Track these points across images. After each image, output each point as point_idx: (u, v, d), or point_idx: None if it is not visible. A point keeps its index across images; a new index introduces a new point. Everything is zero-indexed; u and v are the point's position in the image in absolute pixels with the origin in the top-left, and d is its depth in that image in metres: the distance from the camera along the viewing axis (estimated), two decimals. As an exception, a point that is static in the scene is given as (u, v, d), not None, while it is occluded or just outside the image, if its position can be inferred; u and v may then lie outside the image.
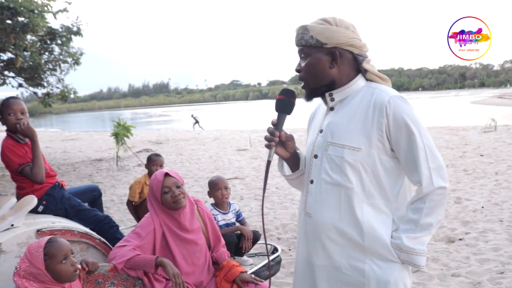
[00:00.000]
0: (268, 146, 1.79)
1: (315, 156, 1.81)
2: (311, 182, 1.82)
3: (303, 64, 1.80)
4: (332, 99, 1.81)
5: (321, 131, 1.83)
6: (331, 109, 1.83)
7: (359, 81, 1.78)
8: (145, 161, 4.56)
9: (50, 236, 2.14)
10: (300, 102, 1.89)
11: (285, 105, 1.81)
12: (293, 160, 1.93)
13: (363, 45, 1.76)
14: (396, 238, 1.68)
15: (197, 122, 30.67)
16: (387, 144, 1.68)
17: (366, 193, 1.70)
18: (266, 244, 2.03)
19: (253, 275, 2.65)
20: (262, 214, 1.95)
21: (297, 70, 1.83)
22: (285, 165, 1.99)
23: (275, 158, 1.91)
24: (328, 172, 1.74)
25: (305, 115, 1.72)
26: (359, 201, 1.70)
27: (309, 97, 1.83)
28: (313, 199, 1.80)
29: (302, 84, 1.83)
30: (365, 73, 1.79)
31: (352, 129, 1.71)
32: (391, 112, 1.65)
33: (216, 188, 3.34)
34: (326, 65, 1.74)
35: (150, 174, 4.26)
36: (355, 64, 1.77)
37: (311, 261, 1.83)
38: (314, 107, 2.03)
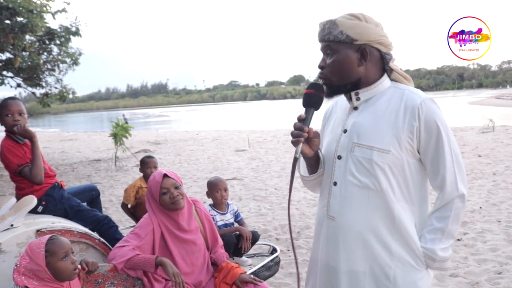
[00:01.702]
0: (295, 143, 1.67)
1: (339, 157, 1.74)
2: (335, 184, 1.75)
3: (328, 61, 1.71)
4: (358, 99, 1.74)
5: (345, 131, 1.76)
6: (355, 108, 1.77)
7: (385, 81, 1.73)
8: (143, 162, 4.55)
9: (51, 234, 2.15)
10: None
11: (314, 99, 1.71)
12: (314, 160, 1.83)
13: (390, 43, 1.72)
14: (429, 250, 1.67)
15: (126, 122, 32.27)
16: (416, 148, 1.65)
17: (397, 197, 1.66)
18: (292, 243, 1.82)
19: (252, 275, 2.65)
20: (289, 212, 1.76)
21: (321, 67, 1.74)
22: (302, 164, 1.91)
23: (284, 156, 1.85)
24: (355, 174, 1.68)
25: (318, 114, 1.68)
26: (388, 204, 1.65)
27: (331, 95, 1.76)
28: (338, 202, 1.73)
29: (323, 81, 1.74)
30: (390, 73, 1.74)
31: (381, 130, 1.66)
32: (423, 115, 1.61)
33: (216, 189, 3.34)
34: (355, 63, 1.68)
35: (145, 176, 4.25)
36: (381, 63, 1.73)
37: (332, 265, 1.76)
38: (327, 105, 1.95)
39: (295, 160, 1.69)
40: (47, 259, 2.00)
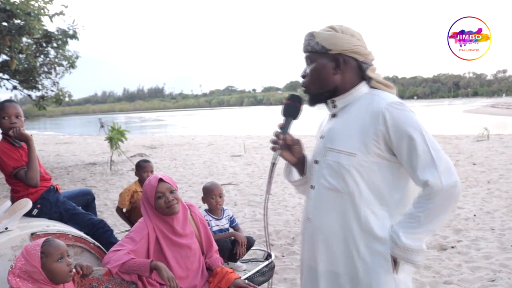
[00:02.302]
0: (273, 149, 1.82)
1: (316, 162, 1.84)
2: (312, 187, 1.84)
3: (308, 70, 1.82)
4: (335, 106, 1.83)
5: (322, 137, 1.85)
6: (334, 115, 1.85)
7: (362, 88, 1.79)
8: (139, 166, 4.55)
9: (47, 237, 2.15)
10: (308, 109, 1.90)
11: (291, 109, 1.84)
12: (302, 166, 1.95)
13: (369, 53, 1.79)
14: (394, 232, 1.66)
15: (102, 126, 33.68)
16: (385, 151, 1.68)
17: (364, 199, 1.70)
18: (268, 243, 2.02)
19: (246, 281, 2.65)
20: (265, 216, 1.95)
21: (303, 76, 1.85)
22: (294, 170, 2.01)
23: (281, 162, 1.92)
24: (326, 177, 1.77)
25: (313, 122, 1.74)
26: (357, 206, 1.70)
27: (312, 103, 1.85)
28: (313, 204, 1.83)
29: (305, 89, 1.85)
30: (369, 81, 1.80)
31: (349, 134, 1.72)
32: (388, 119, 1.64)
33: (211, 195, 3.34)
34: (330, 71, 1.76)
35: (141, 180, 4.25)
36: (360, 72, 1.79)
37: (313, 266, 1.84)
38: (324, 115, 2.03)
39: (272, 165, 1.83)
40: (42, 260, 2.00)
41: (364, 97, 1.76)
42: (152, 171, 4.23)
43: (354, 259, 1.72)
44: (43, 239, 2.08)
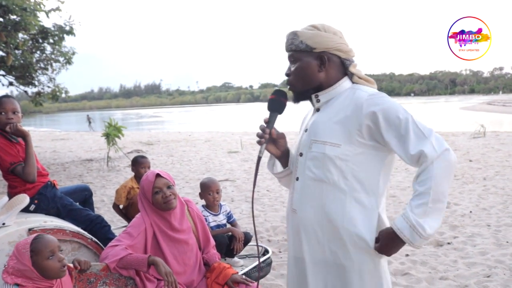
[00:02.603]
0: (259, 143, 1.88)
1: (300, 154, 1.89)
2: (297, 179, 1.89)
3: (292, 68, 1.87)
4: (318, 100, 1.88)
5: (306, 130, 1.90)
6: (317, 110, 1.90)
7: (345, 83, 1.85)
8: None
9: (37, 234, 2.14)
10: (291, 106, 1.94)
11: (276, 104, 1.89)
12: (285, 159, 2.01)
13: (350, 50, 1.85)
14: (415, 225, 1.61)
15: (90, 122, 35.28)
16: (369, 139, 1.72)
17: (349, 188, 1.74)
18: (257, 243, 2.08)
19: (244, 276, 2.67)
20: (252, 211, 2.03)
21: (287, 74, 1.90)
22: (277, 163, 2.06)
23: (266, 156, 1.97)
24: (311, 168, 1.81)
25: (296, 118, 1.77)
26: (341, 195, 1.75)
27: (297, 100, 1.91)
28: (298, 195, 1.87)
29: (290, 87, 1.89)
30: (351, 77, 1.85)
31: (333, 126, 1.77)
32: (369, 109, 1.69)
33: (208, 191, 3.34)
34: (315, 69, 1.81)
35: (137, 176, 4.24)
36: (342, 68, 1.85)
37: (299, 256, 1.89)
38: (307, 110, 2.08)
39: (259, 159, 1.88)
40: (32, 258, 1.99)
41: (346, 92, 1.82)
42: (149, 167, 4.23)
43: (339, 247, 1.77)
44: (32, 236, 2.07)
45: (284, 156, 2.00)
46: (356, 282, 1.76)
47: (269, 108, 1.89)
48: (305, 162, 1.84)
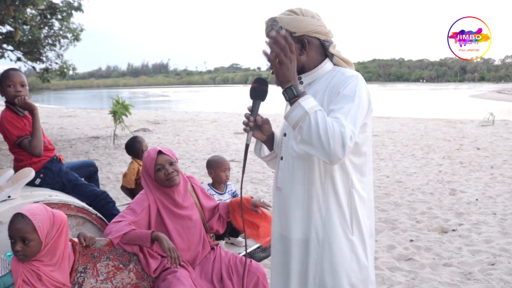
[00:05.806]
0: (245, 130, 1.91)
1: (284, 135, 1.96)
2: (281, 158, 1.96)
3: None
4: (301, 82, 1.92)
5: None
6: None
7: (326, 65, 1.90)
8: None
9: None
10: (276, 89, 1.93)
11: (258, 92, 1.92)
12: (271, 142, 2.08)
13: (328, 31, 1.89)
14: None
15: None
16: None
17: (327, 166, 1.78)
18: (244, 230, 2.14)
19: (262, 200, 2.75)
20: (241, 200, 2.06)
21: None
22: (264, 147, 2.13)
23: (253, 142, 2.01)
24: (294, 147, 1.86)
25: (281, 100, 1.79)
26: (320, 173, 1.80)
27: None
28: (283, 174, 1.93)
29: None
30: (331, 58, 1.91)
31: None
32: (339, 89, 1.75)
33: (221, 168, 3.37)
34: (296, 53, 1.82)
35: (138, 157, 4.17)
36: (322, 50, 1.90)
37: (285, 234, 1.92)
38: None
39: (247, 146, 1.90)
40: None
41: (328, 74, 1.88)
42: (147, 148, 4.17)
43: (317, 222, 1.82)
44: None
45: (269, 140, 2.06)
46: (338, 258, 1.79)
47: (252, 96, 1.92)
48: (288, 141, 1.91)
